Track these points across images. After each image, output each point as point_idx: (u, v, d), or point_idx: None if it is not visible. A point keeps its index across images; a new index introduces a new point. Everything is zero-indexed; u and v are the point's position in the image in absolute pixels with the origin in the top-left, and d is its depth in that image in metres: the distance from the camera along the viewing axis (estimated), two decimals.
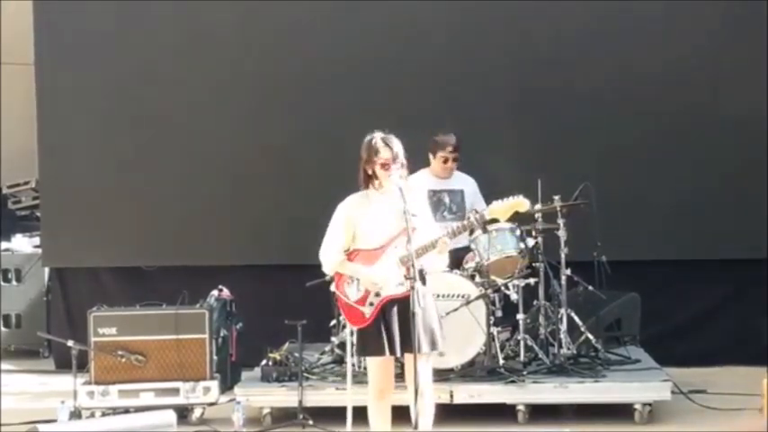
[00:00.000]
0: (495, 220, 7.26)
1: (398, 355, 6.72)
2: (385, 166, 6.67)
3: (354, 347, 7.26)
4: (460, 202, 9.08)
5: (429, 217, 6.92)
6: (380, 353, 6.69)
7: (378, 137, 6.72)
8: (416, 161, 7.07)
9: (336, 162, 9.82)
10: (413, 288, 6.39)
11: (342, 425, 7.85)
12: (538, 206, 8.64)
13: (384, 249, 6.68)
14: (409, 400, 6.53)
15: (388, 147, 6.67)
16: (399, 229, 6.56)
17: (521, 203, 6.78)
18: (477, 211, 6.86)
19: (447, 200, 9.03)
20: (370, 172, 6.74)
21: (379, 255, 6.69)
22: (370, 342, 6.74)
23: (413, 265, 6.44)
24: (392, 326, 6.64)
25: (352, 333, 8.47)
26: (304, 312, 8.44)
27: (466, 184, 9.17)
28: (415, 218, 6.59)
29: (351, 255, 6.79)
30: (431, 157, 9.05)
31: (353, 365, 8.34)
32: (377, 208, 6.69)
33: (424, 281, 6.65)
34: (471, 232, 8.44)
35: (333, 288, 7.05)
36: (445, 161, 9.04)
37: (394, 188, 6.60)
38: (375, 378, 6.84)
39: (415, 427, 6.42)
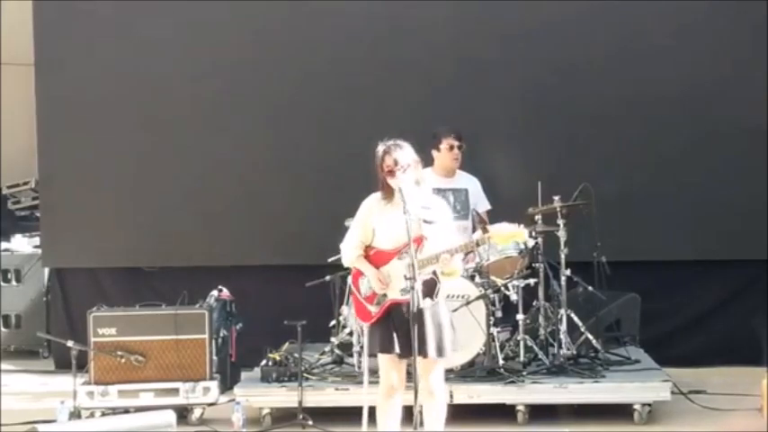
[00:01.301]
0: None
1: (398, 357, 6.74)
2: (389, 173, 6.78)
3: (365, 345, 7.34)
4: (465, 202, 9.08)
5: (447, 224, 6.94)
6: (385, 350, 6.75)
7: (381, 146, 6.84)
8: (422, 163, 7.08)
9: (337, 163, 9.86)
10: (412, 288, 6.42)
11: (342, 425, 7.85)
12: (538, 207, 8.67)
13: (397, 252, 6.75)
14: (417, 401, 6.54)
15: (388, 155, 6.79)
16: (414, 235, 6.62)
17: (520, 234, 6.90)
18: (483, 230, 6.98)
19: (452, 199, 9.02)
20: (383, 179, 6.85)
21: (391, 256, 6.78)
22: (377, 339, 6.84)
23: (413, 266, 6.46)
24: (398, 329, 6.70)
25: (351, 333, 8.53)
26: (304, 312, 8.45)
27: (470, 183, 9.17)
28: (431, 225, 6.72)
29: (369, 251, 6.89)
30: (434, 153, 9.03)
31: (354, 366, 8.36)
32: (396, 212, 6.76)
33: (436, 288, 6.72)
34: (474, 231, 8.50)
35: (349, 280, 7.12)
36: (451, 147, 9.02)
37: (396, 192, 6.69)
38: (384, 376, 6.89)
39: (415, 428, 6.44)
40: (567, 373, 8.42)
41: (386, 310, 6.76)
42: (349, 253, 6.94)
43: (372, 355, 7.09)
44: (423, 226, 6.69)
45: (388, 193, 6.80)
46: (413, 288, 6.43)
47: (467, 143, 9.11)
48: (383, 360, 6.87)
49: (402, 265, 6.65)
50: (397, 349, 6.69)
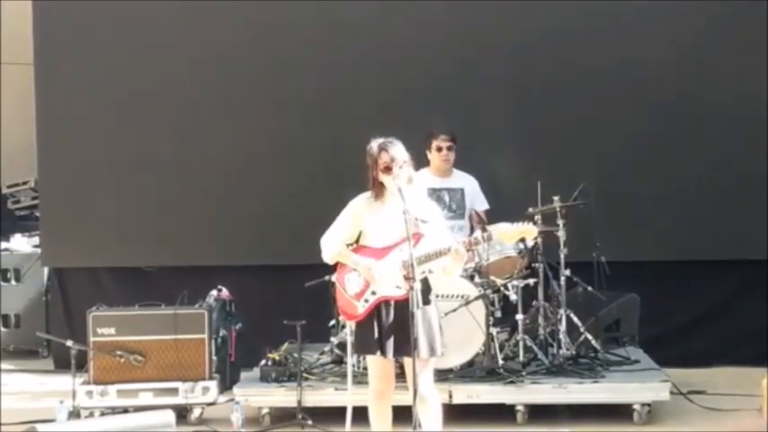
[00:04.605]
0: None
1: (390, 357, 6.71)
2: (386, 170, 6.72)
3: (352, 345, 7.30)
4: (460, 201, 9.09)
5: (441, 224, 6.92)
6: (372, 351, 6.72)
7: (375, 143, 6.78)
8: (416, 162, 7.07)
9: (336, 163, 9.85)
10: (412, 288, 6.39)
11: (341, 425, 7.85)
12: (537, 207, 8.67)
13: (390, 250, 6.72)
14: (411, 402, 6.52)
15: (384, 151, 6.73)
16: (411, 233, 6.58)
17: (530, 231, 6.85)
18: (485, 229, 6.92)
19: (447, 198, 9.04)
20: (375, 177, 6.79)
21: (383, 254, 6.73)
22: (364, 339, 6.79)
23: (412, 266, 6.44)
24: (387, 328, 6.66)
25: (351, 332, 8.52)
26: (304, 312, 8.46)
27: (466, 182, 9.17)
28: (425, 224, 6.66)
29: (355, 250, 6.83)
30: (428, 153, 9.05)
31: (354, 365, 8.36)
32: (388, 210, 6.73)
33: (428, 288, 6.67)
34: (471, 231, 8.49)
35: (333, 278, 7.06)
36: (439, 149, 9.02)
37: (394, 190, 6.63)
38: (374, 379, 6.85)
39: (414, 428, 6.42)
40: (566, 373, 8.42)
41: (374, 307, 6.71)
42: (331, 249, 6.81)
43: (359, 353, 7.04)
44: (419, 224, 6.64)
45: (380, 190, 6.74)
46: (412, 288, 6.39)
47: (466, 143, 9.11)
48: (371, 363, 6.84)
49: (396, 262, 6.63)
50: (388, 354, 6.64)
